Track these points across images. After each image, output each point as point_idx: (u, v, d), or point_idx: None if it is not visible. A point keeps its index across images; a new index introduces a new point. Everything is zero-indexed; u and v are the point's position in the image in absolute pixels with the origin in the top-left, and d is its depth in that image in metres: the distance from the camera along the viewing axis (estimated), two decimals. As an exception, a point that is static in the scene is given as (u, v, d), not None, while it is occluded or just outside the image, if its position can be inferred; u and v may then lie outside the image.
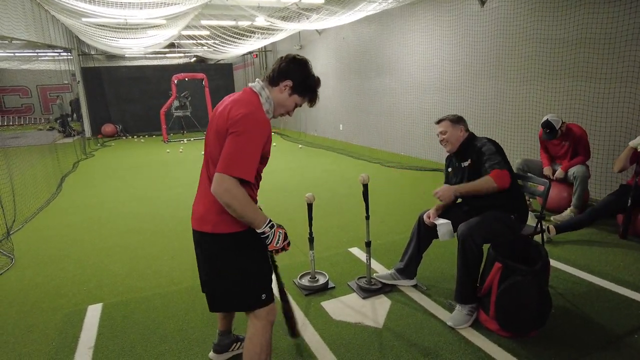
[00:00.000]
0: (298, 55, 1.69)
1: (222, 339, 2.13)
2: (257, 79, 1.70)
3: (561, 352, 2.10)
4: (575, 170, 3.88)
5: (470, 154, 2.56)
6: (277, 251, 1.65)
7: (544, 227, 2.88)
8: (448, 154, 2.73)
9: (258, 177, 1.68)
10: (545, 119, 3.93)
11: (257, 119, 1.53)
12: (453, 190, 2.41)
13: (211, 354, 2.14)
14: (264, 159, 1.61)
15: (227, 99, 1.66)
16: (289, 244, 1.66)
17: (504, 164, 2.41)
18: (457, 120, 2.62)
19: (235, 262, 1.64)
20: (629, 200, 3.31)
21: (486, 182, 2.36)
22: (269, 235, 1.58)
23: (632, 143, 3.27)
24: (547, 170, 4.07)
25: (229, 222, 1.58)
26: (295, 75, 1.64)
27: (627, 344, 2.15)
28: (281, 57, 1.68)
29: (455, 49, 6.44)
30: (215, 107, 1.70)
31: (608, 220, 3.79)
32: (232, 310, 1.89)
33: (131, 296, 2.89)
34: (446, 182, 2.78)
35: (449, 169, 2.76)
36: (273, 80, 1.66)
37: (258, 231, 1.57)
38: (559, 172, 3.97)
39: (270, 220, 1.59)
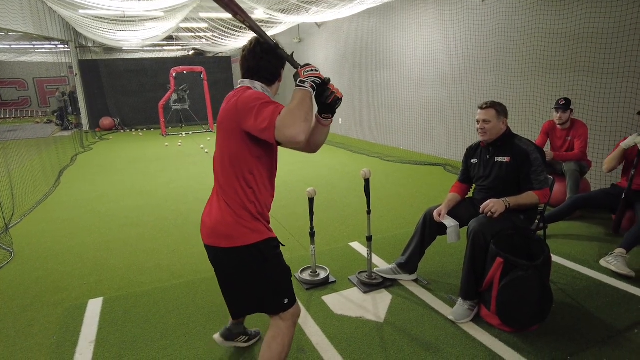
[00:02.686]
0: (248, 44, 1.61)
1: (234, 327, 2.11)
2: (240, 80, 1.65)
3: (562, 346, 2.11)
4: (565, 165, 3.90)
5: (509, 151, 2.48)
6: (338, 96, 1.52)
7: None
8: (471, 144, 2.71)
9: (270, 183, 1.65)
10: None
11: (252, 91, 1.52)
12: (505, 204, 2.35)
13: (217, 336, 2.11)
14: (275, 148, 1.58)
15: (225, 102, 1.60)
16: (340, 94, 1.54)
17: (547, 180, 2.46)
18: (502, 111, 2.50)
19: (254, 274, 1.60)
20: (622, 202, 3.23)
21: (533, 199, 2.41)
22: (319, 89, 1.48)
23: (624, 144, 3.25)
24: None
25: (241, 234, 1.54)
26: (270, 66, 1.60)
27: (627, 338, 2.16)
28: (242, 54, 1.62)
29: (455, 42, 6.41)
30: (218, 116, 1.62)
31: (607, 216, 3.80)
32: (254, 313, 1.85)
33: (132, 290, 2.89)
34: (464, 174, 2.76)
35: (473, 160, 2.68)
36: (266, 79, 1.62)
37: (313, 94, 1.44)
38: (548, 153, 3.96)
39: (307, 86, 1.43)
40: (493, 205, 2.33)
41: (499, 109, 2.49)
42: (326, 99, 1.51)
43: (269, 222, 1.68)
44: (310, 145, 1.66)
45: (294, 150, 1.62)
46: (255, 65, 1.59)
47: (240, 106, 1.45)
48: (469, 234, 2.36)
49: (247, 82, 1.61)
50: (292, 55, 1.59)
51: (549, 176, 2.71)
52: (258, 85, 1.60)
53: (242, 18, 1.54)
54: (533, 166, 2.41)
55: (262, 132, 1.38)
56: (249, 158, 1.52)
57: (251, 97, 1.45)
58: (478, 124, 2.54)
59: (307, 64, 1.50)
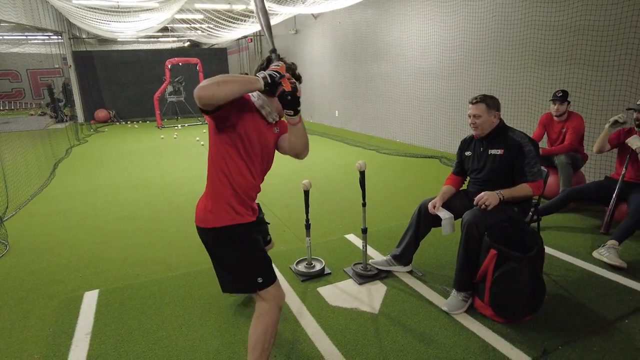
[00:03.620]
0: (271, 54, 1.66)
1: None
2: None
3: (554, 336, 2.14)
4: (556, 158, 3.92)
5: (502, 143, 2.49)
6: (293, 86, 1.53)
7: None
8: (465, 137, 2.71)
9: (248, 171, 1.69)
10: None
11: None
12: (499, 196, 2.37)
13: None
14: (246, 139, 1.63)
15: None
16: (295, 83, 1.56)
17: (541, 172, 2.46)
18: (494, 105, 2.49)
19: (225, 254, 1.72)
20: (614, 196, 3.25)
21: (526, 191, 2.41)
22: (271, 82, 1.49)
23: (607, 125, 3.29)
24: None
25: (215, 217, 1.68)
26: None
27: (617, 328, 2.19)
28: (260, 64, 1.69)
29: (452, 34, 6.38)
30: None
31: (601, 208, 3.83)
32: (236, 292, 1.95)
33: (128, 282, 2.89)
34: (458, 166, 2.77)
35: (467, 153, 2.69)
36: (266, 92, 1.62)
37: (260, 88, 1.48)
38: None
39: (260, 75, 1.49)
40: (487, 198, 2.35)
41: (490, 103, 2.48)
42: (278, 93, 1.52)
43: (248, 208, 1.75)
44: (292, 148, 1.71)
45: (286, 155, 1.77)
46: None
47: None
48: (462, 226, 2.38)
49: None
50: (278, 56, 1.64)
51: (543, 168, 2.73)
52: (255, 93, 1.65)
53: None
54: (526, 158, 2.42)
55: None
56: (220, 145, 1.64)
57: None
58: (470, 118, 2.54)
59: (281, 64, 1.57)
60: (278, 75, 1.51)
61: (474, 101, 2.52)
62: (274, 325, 1.72)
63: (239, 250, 1.71)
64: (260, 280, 1.70)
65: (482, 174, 2.59)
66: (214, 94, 1.38)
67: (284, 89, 1.51)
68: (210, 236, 1.71)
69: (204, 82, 1.40)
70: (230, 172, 1.65)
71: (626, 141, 3.22)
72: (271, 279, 1.73)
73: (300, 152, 1.72)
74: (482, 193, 2.38)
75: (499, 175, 2.51)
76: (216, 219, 1.68)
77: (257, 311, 1.73)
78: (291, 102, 1.54)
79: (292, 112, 1.57)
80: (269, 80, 1.49)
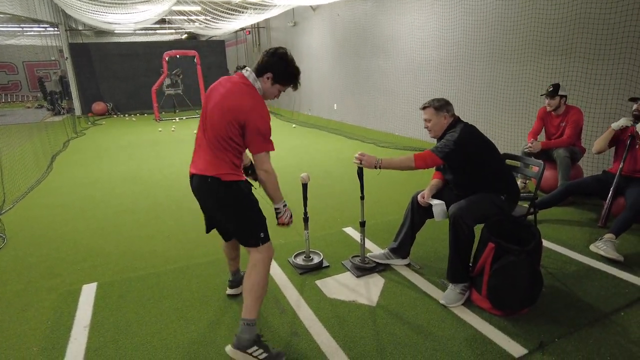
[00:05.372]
0: (280, 48, 1.99)
1: (234, 276, 2.54)
2: (247, 69, 2.00)
3: (550, 329, 2.15)
4: (555, 152, 3.91)
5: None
6: (283, 224, 2.12)
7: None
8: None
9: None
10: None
11: (263, 105, 1.95)
12: (375, 161, 2.44)
13: (228, 290, 2.55)
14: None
15: (227, 84, 1.98)
16: (292, 221, 2.15)
17: (447, 152, 2.38)
18: (441, 107, 2.53)
19: (242, 202, 2.00)
20: (611, 189, 3.24)
21: (407, 161, 2.43)
22: (281, 211, 2.08)
23: (614, 125, 3.27)
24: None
25: (231, 174, 1.96)
26: (275, 68, 1.96)
27: (613, 321, 2.21)
28: (265, 51, 1.99)
29: (451, 28, 6.34)
30: (213, 86, 2.05)
31: (599, 202, 3.83)
32: (238, 239, 2.18)
33: (126, 276, 2.89)
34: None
35: None
36: (258, 72, 1.98)
37: (275, 206, 2.07)
38: (535, 144, 3.96)
39: (284, 201, 2.09)
40: (365, 158, 2.46)
41: (437, 105, 2.54)
42: (277, 216, 2.11)
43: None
44: (262, 176, 2.02)
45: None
46: (269, 67, 1.96)
47: (252, 123, 1.89)
48: (449, 218, 2.39)
49: (251, 78, 1.96)
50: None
51: (539, 161, 2.74)
52: (257, 85, 1.97)
53: None
54: (443, 140, 2.46)
55: (252, 147, 1.93)
56: (239, 140, 1.95)
57: (263, 127, 1.91)
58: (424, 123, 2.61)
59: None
60: (287, 216, 2.13)
61: (423, 107, 2.60)
62: (266, 275, 2.01)
63: (253, 203, 2.02)
64: (262, 235, 2.00)
65: (446, 175, 2.65)
66: (270, 185, 2.01)
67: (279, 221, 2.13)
68: (230, 189, 1.96)
69: (272, 171, 1.96)
70: (240, 153, 2.01)
71: (612, 125, 3.24)
72: (268, 235, 2.05)
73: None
74: (361, 152, 2.50)
75: (455, 172, 2.55)
76: (232, 175, 1.96)
77: (252, 261, 1.99)
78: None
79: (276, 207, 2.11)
80: (281, 212, 2.11)
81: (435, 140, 2.65)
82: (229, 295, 2.56)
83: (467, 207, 2.37)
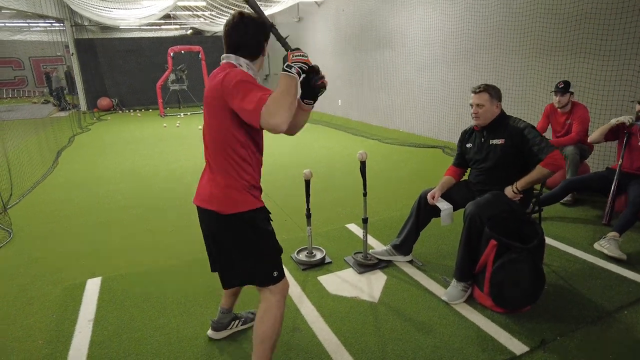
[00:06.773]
0: (228, 18, 1.62)
1: (222, 317, 2.12)
2: (225, 54, 1.63)
3: (552, 327, 2.14)
4: (565, 150, 3.88)
5: (503, 133, 2.46)
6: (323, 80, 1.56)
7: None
8: (466, 128, 2.69)
9: (259, 153, 1.67)
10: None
11: (237, 70, 1.53)
12: (515, 190, 2.39)
13: (210, 332, 2.14)
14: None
15: (211, 79, 1.62)
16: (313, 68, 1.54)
17: (550, 145, 2.35)
18: (496, 95, 2.46)
19: (246, 240, 1.63)
20: (613, 187, 3.22)
21: (541, 173, 2.33)
22: (307, 77, 1.52)
23: (613, 120, 3.26)
24: None
25: (235, 202, 1.58)
26: (241, 41, 1.60)
27: (616, 319, 2.20)
28: (226, 32, 1.62)
29: (455, 23, 6.30)
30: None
31: (603, 199, 3.81)
32: (245, 284, 1.81)
33: (130, 270, 2.92)
34: (459, 158, 2.76)
35: (468, 145, 2.67)
36: (233, 53, 1.61)
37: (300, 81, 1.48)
38: None
39: (294, 72, 1.43)
40: (515, 197, 2.39)
41: (492, 93, 2.46)
42: (313, 86, 1.55)
43: (260, 192, 1.71)
44: (289, 128, 1.62)
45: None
46: (239, 41, 1.60)
47: (227, 85, 1.46)
48: (465, 217, 2.37)
49: (232, 59, 1.60)
50: (286, 38, 1.59)
51: None
52: (243, 63, 1.60)
53: None
54: (530, 140, 2.37)
55: (247, 116, 1.42)
56: (237, 132, 1.54)
57: (238, 78, 1.46)
58: (472, 108, 2.52)
59: (297, 48, 1.50)
60: (307, 67, 1.49)
61: (477, 90, 2.49)
62: (281, 317, 1.69)
63: (260, 237, 1.64)
64: (275, 274, 1.66)
65: (485, 165, 2.57)
66: (290, 119, 1.39)
67: (323, 83, 1.55)
68: (229, 222, 1.60)
69: (273, 108, 1.35)
70: (245, 156, 1.58)
71: (611, 120, 3.24)
72: (283, 274, 1.70)
73: (297, 130, 1.71)
74: (505, 193, 2.42)
75: (502, 165, 2.49)
76: (235, 204, 1.58)
77: (265, 304, 1.67)
78: (319, 94, 1.59)
79: (312, 102, 1.62)
80: (301, 74, 1.48)
81: (469, 129, 2.63)
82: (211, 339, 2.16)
83: (485, 206, 2.34)
